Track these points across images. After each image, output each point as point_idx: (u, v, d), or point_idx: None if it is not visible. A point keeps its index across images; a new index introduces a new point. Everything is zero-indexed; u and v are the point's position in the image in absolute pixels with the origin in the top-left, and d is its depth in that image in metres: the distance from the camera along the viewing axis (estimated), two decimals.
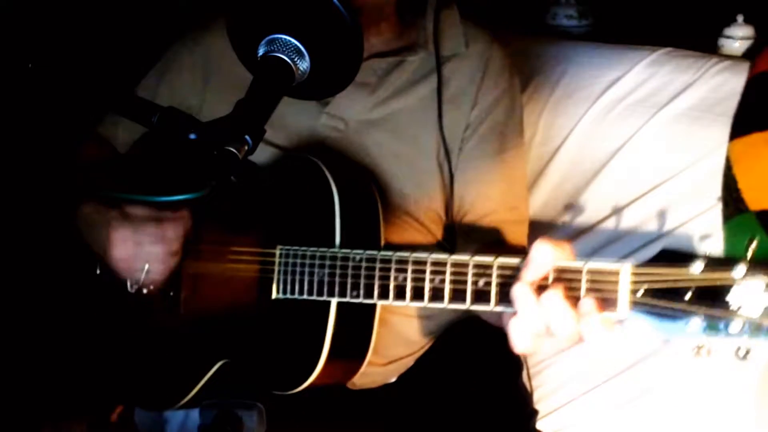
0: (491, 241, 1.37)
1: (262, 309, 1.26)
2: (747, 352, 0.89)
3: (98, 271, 1.38)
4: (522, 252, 1.08)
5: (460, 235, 1.40)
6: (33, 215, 1.63)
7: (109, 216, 1.25)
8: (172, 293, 1.34)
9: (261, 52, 0.98)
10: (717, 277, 0.88)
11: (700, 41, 1.79)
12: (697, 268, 0.89)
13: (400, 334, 1.37)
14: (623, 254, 1.62)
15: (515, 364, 1.48)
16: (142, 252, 1.23)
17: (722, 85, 1.63)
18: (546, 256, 0.97)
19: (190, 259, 1.33)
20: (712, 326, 0.89)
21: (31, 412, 1.64)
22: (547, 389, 1.58)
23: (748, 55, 1.74)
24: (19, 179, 1.68)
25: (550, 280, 0.97)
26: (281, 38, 0.97)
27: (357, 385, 1.34)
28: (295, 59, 0.97)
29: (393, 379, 1.42)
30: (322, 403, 1.32)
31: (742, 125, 1.55)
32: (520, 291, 0.97)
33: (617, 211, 1.65)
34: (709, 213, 1.57)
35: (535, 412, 1.46)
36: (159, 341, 1.36)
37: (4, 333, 1.63)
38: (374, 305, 1.24)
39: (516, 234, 1.40)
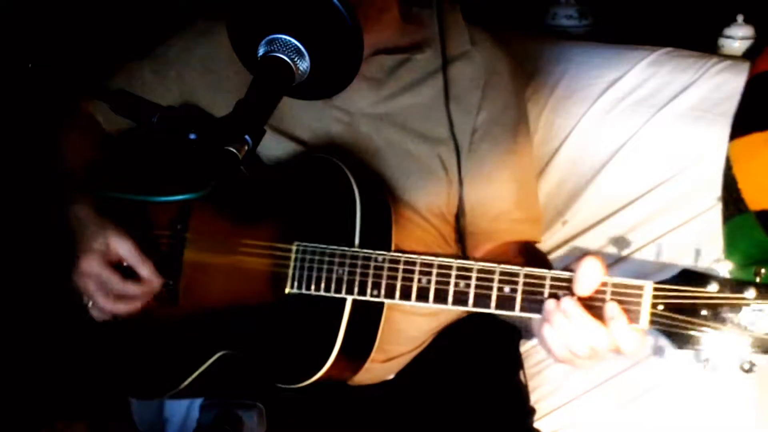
0: (506, 242, 1.39)
1: (271, 302, 1.26)
2: (751, 366, 0.99)
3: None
4: (537, 256, 1.14)
5: (473, 236, 1.41)
6: (32, 213, 1.63)
7: (97, 232, 1.27)
8: (170, 282, 1.34)
9: (261, 52, 0.98)
10: (730, 297, 0.99)
11: (700, 41, 1.79)
12: (712, 288, 0.99)
13: (401, 331, 1.37)
14: (623, 255, 1.62)
15: (513, 362, 1.49)
16: (94, 290, 1.26)
17: (722, 85, 1.63)
18: (594, 273, 1.04)
19: (193, 248, 1.33)
20: (722, 341, 1.00)
21: (32, 412, 1.64)
22: (546, 389, 1.58)
23: (748, 55, 1.74)
24: (19, 178, 1.68)
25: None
26: (281, 38, 0.97)
27: (356, 380, 1.34)
28: (295, 59, 0.97)
29: (391, 376, 1.43)
30: (322, 402, 1.32)
31: (742, 125, 1.55)
32: (550, 305, 1.05)
33: (617, 211, 1.65)
34: (709, 213, 1.57)
35: (532, 411, 1.46)
36: (155, 329, 1.36)
37: (4, 333, 1.63)
38: (382, 305, 1.25)
39: (529, 233, 1.42)
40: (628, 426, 1.55)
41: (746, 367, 0.99)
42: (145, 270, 1.26)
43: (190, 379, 1.33)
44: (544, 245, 1.67)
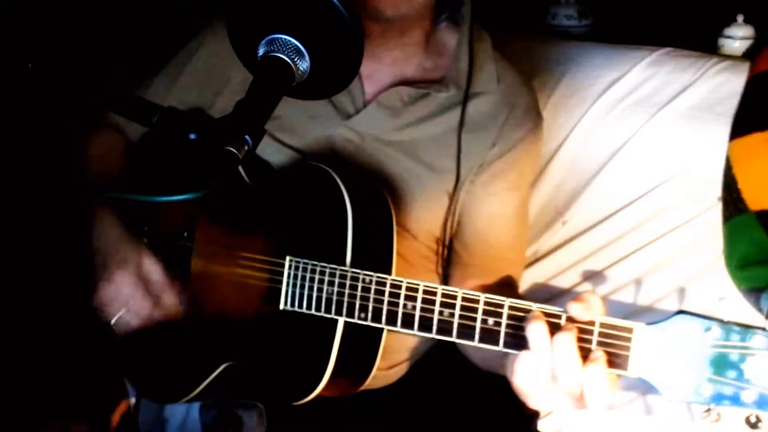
0: (487, 279, 1.37)
1: (268, 317, 1.25)
2: (758, 420, 0.88)
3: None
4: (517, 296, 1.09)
5: (457, 267, 1.40)
6: (33, 214, 1.63)
7: (132, 251, 1.27)
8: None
9: (261, 52, 0.98)
10: (733, 345, 0.87)
11: (700, 41, 1.79)
12: (713, 334, 0.88)
13: (405, 339, 1.37)
14: (623, 255, 1.62)
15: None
16: (129, 297, 1.26)
17: (722, 85, 1.63)
18: (598, 306, 0.98)
19: (200, 257, 1.33)
20: (724, 393, 0.89)
21: (33, 412, 1.64)
22: None
23: (748, 55, 1.74)
24: (19, 179, 1.68)
25: (562, 325, 0.99)
26: (281, 38, 0.97)
27: None
28: (295, 59, 0.97)
29: (393, 380, 1.43)
30: (322, 403, 1.32)
31: (742, 125, 1.55)
32: (537, 327, 0.98)
33: (617, 211, 1.65)
34: (709, 213, 1.57)
35: (535, 414, 1.46)
36: (163, 336, 1.35)
37: (5, 332, 1.63)
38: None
39: (511, 275, 1.41)
40: (627, 426, 1.55)
41: (752, 420, 0.89)
42: (168, 299, 1.28)
43: (197, 390, 1.33)
44: (543, 245, 1.68)
